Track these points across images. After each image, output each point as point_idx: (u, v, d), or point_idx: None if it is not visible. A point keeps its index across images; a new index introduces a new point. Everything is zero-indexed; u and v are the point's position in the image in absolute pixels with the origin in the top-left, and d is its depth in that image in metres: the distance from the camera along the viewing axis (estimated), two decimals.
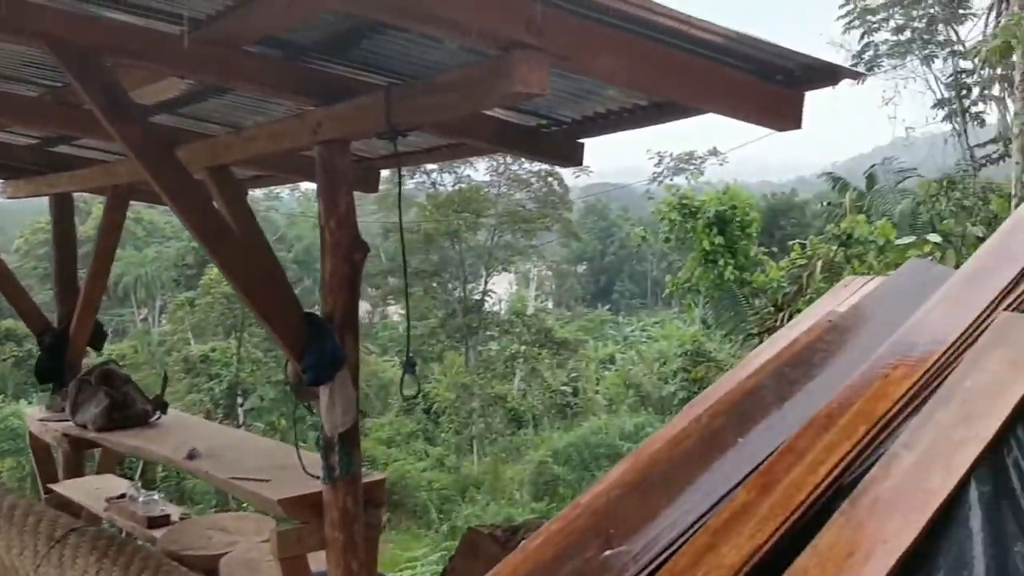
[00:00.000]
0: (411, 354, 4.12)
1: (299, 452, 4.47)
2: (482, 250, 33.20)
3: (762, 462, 2.66)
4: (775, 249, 24.44)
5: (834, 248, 15.64)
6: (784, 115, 3.46)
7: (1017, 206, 11.95)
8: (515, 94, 2.83)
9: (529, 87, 2.76)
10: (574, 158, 4.38)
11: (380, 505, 4.42)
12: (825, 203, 25.71)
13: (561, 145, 4.40)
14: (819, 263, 15.64)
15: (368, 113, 3.66)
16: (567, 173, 34.54)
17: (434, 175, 31.47)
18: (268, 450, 5.52)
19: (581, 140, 4.37)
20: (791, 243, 18.97)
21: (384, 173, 6.28)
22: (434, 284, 32.21)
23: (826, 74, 3.41)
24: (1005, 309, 2.90)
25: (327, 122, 3.88)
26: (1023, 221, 3.28)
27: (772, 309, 15.56)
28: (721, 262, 17.56)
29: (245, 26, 3.47)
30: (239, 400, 28.08)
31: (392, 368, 32.50)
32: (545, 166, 29.02)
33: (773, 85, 3.42)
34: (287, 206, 44.33)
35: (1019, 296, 2.94)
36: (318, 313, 4.11)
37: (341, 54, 3.76)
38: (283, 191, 39.52)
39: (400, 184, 4.83)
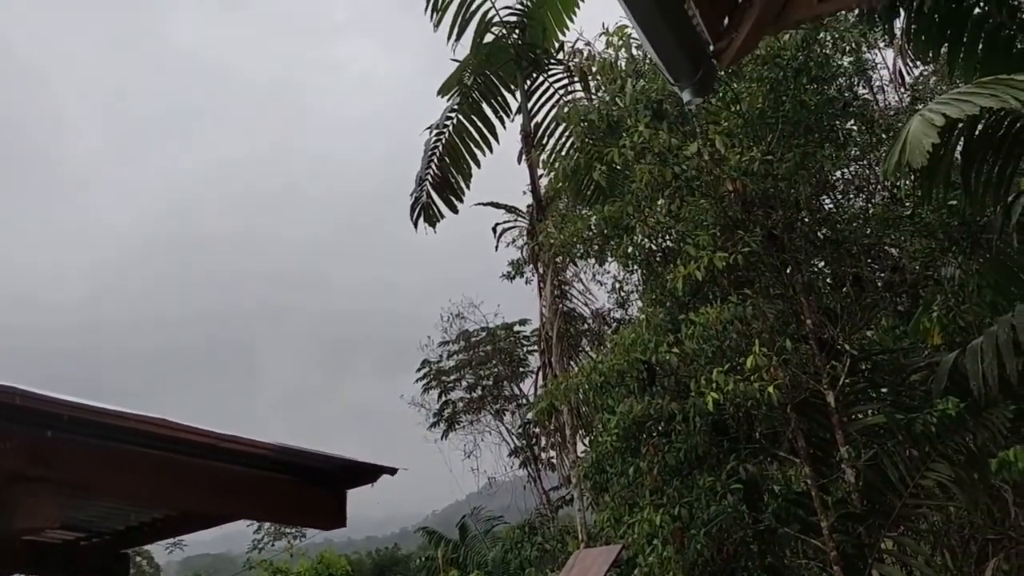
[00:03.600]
0: None
1: None
2: None
3: None
4: None
5: None
6: (326, 515, 3.55)
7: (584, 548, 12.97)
8: (20, 531, 2.60)
9: (36, 521, 2.55)
10: (115, 572, 4.04)
11: None
12: (424, 557, 26.12)
13: (104, 558, 4.06)
14: None
15: None
16: (158, 548, 31.85)
17: None
18: None
19: (125, 551, 4.08)
20: None
21: None
22: None
23: (365, 473, 3.60)
24: None
25: None
26: None
27: None
28: None
29: None
30: None
31: None
32: None
33: (315, 488, 3.52)
34: None
35: None
36: None
37: None
38: None
39: None
